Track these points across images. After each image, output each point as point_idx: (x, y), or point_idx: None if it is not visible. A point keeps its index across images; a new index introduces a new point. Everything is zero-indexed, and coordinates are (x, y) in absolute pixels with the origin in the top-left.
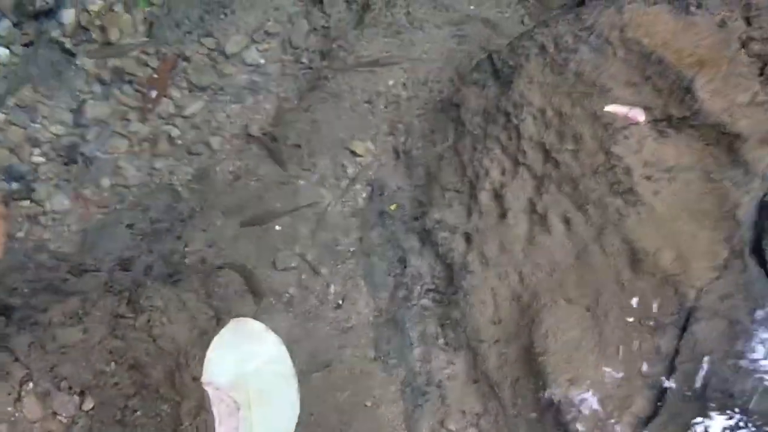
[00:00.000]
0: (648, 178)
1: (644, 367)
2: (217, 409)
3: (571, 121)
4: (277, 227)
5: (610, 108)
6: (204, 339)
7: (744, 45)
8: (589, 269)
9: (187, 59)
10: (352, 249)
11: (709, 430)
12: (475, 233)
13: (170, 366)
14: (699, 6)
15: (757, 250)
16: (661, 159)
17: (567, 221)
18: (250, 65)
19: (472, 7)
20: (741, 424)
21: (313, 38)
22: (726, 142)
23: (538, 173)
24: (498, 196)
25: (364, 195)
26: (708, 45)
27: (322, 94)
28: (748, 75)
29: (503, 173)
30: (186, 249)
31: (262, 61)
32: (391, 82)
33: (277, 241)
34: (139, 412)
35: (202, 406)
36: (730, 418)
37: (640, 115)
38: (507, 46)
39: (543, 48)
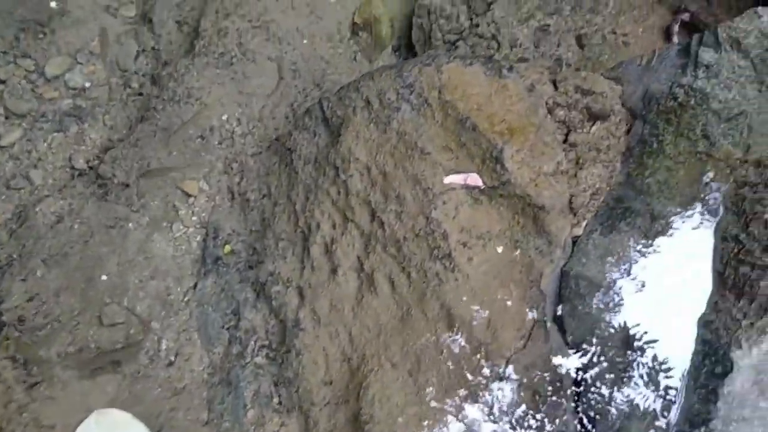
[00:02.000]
0: (464, 244)
1: None
2: None
3: (394, 181)
4: (104, 277)
5: (448, 179)
6: (23, 415)
7: (551, 111)
8: (412, 333)
9: (2, 82)
10: (185, 299)
11: None
12: (307, 288)
13: None
14: (510, 69)
15: (557, 318)
16: (475, 225)
17: (392, 283)
18: (74, 89)
19: (305, 41)
20: None
21: (143, 60)
22: (531, 212)
23: (365, 231)
24: (329, 251)
25: (198, 238)
26: (518, 111)
27: (151, 127)
28: (553, 143)
29: (334, 227)
30: (2, 305)
31: (87, 84)
32: (224, 117)
33: (104, 294)
34: None
35: None
36: None
37: (478, 180)
38: (335, 95)
39: (368, 102)
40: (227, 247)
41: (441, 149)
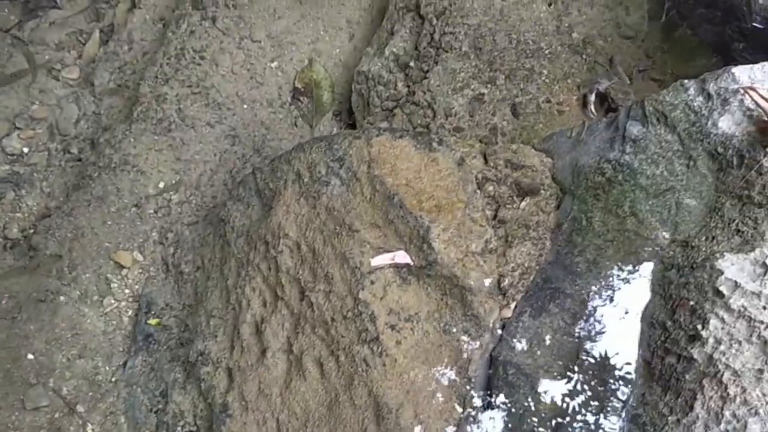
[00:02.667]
0: (392, 327)
1: None
2: None
3: (323, 259)
4: (30, 356)
5: (375, 262)
6: None
7: (480, 186)
8: (340, 422)
9: None
10: (113, 378)
11: None
12: (236, 370)
13: None
14: (441, 142)
15: (489, 407)
16: (403, 307)
17: (321, 366)
18: (12, 155)
19: (245, 107)
20: None
21: (83, 125)
22: (459, 293)
23: (295, 311)
24: (259, 330)
25: (130, 313)
26: (447, 186)
27: (86, 196)
28: (482, 220)
29: (265, 305)
30: None
31: (26, 149)
32: (161, 185)
33: (29, 374)
34: None
35: None
36: None
37: (406, 257)
38: (269, 166)
39: (299, 175)
40: (155, 320)
41: (369, 226)
